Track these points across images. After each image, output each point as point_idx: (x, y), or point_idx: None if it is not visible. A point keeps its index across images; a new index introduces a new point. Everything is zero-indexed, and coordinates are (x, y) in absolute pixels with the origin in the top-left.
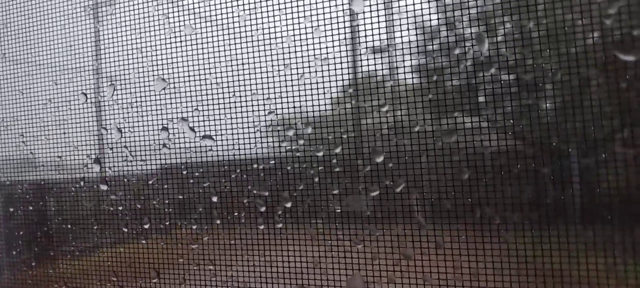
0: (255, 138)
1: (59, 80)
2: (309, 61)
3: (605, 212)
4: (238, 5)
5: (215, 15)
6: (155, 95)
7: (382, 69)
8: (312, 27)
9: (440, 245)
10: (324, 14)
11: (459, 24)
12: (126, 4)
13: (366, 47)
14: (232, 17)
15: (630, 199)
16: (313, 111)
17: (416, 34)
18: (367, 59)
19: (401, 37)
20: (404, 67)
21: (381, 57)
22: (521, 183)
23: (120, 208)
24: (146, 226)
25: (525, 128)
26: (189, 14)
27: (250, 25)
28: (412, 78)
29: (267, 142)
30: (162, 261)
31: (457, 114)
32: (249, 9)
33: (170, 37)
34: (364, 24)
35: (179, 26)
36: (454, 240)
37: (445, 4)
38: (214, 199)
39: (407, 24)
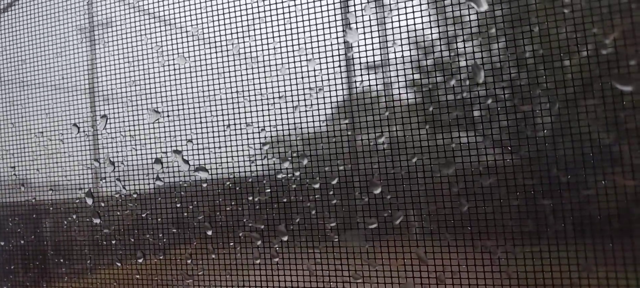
0: (250, 169)
1: (52, 111)
2: (304, 92)
3: (605, 234)
4: (232, 35)
5: (210, 46)
6: (148, 126)
7: (378, 97)
8: (306, 58)
9: (442, 280)
10: (318, 44)
11: (454, 44)
12: (120, 35)
13: (361, 78)
14: (227, 48)
15: (628, 220)
16: (309, 142)
17: (410, 56)
18: (363, 90)
19: (395, 60)
20: (399, 91)
21: (376, 83)
22: (521, 211)
23: (113, 242)
24: (140, 260)
25: (524, 155)
26: (182, 45)
27: (245, 56)
28: (408, 101)
29: (263, 173)
30: None
31: (454, 145)
32: (243, 40)
33: (163, 68)
34: (359, 52)
35: (173, 57)
36: (454, 270)
37: (438, 25)
38: (209, 233)
39: (402, 46)
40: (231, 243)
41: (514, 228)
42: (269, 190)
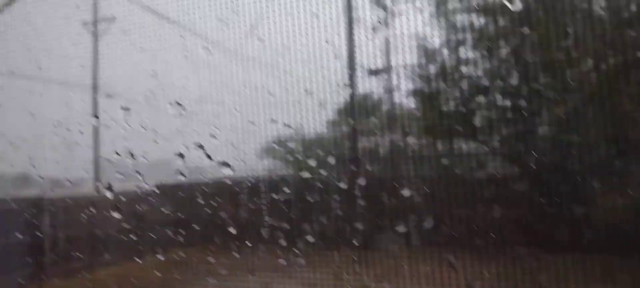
0: (274, 166)
1: (70, 102)
2: (330, 89)
3: (608, 242)
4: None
5: (233, 41)
6: (170, 120)
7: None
8: (335, 55)
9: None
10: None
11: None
12: (141, 27)
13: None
14: (252, 43)
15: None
16: (335, 141)
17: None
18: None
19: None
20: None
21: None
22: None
23: (132, 237)
24: (161, 258)
25: (525, 156)
26: (205, 40)
27: (269, 52)
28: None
29: (286, 171)
30: None
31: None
32: (268, 36)
33: (186, 62)
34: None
35: (197, 51)
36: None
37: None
38: (232, 231)
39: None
40: (253, 243)
41: (544, 234)
42: (292, 190)
